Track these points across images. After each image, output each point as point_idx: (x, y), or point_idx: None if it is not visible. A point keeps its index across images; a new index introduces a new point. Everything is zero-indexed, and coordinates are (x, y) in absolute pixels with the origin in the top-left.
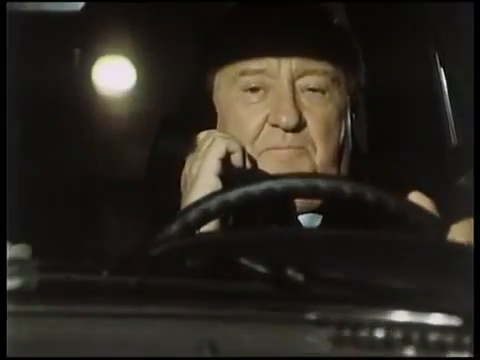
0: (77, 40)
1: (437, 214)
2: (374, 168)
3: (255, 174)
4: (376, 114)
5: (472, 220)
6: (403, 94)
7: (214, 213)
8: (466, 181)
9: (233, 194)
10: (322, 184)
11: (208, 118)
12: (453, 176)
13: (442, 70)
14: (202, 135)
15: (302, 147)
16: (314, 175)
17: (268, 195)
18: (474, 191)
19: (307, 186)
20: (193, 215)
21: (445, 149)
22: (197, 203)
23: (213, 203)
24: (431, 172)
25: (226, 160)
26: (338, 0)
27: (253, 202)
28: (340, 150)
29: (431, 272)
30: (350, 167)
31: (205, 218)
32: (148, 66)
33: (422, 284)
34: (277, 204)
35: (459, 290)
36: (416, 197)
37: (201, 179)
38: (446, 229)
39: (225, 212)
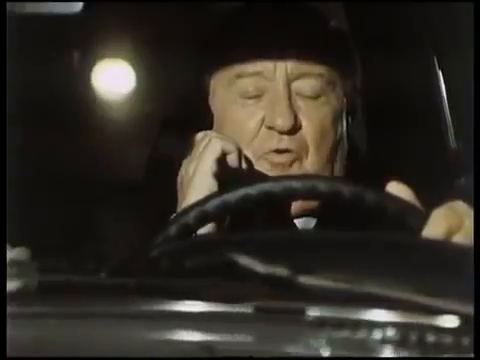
0: (76, 42)
1: (416, 201)
2: (372, 170)
3: (251, 175)
4: (375, 116)
5: (453, 204)
6: (402, 96)
7: (214, 215)
8: (465, 182)
9: (232, 196)
10: (297, 185)
11: (205, 120)
12: (452, 178)
13: (440, 72)
14: (198, 136)
15: (298, 150)
16: (289, 177)
17: (245, 201)
18: (474, 191)
19: (283, 189)
20: (191, 216)
21: (444, 151)
22: (195, 205)
23: (211, 204)
24: (430, 174)
25: (222, 160)
26: (338, 0)
27: (230, 209)
28: (334, 153)
29: (430, 272)
30: (348, 169)
31: (203, 219)
32: (147, 68)
33: (421, 284)
34: (272, 207)
35: (458, 291)
36: (393, 187)
37: (197, 179)
38: (426, 216)
39: (224, 214)
